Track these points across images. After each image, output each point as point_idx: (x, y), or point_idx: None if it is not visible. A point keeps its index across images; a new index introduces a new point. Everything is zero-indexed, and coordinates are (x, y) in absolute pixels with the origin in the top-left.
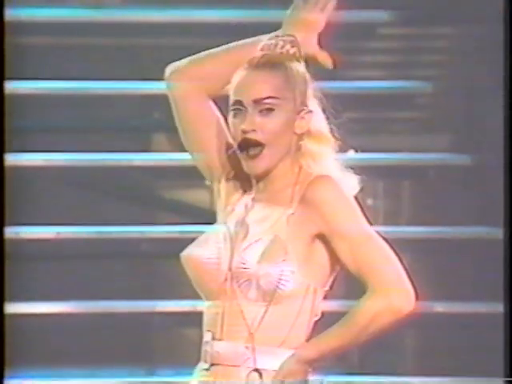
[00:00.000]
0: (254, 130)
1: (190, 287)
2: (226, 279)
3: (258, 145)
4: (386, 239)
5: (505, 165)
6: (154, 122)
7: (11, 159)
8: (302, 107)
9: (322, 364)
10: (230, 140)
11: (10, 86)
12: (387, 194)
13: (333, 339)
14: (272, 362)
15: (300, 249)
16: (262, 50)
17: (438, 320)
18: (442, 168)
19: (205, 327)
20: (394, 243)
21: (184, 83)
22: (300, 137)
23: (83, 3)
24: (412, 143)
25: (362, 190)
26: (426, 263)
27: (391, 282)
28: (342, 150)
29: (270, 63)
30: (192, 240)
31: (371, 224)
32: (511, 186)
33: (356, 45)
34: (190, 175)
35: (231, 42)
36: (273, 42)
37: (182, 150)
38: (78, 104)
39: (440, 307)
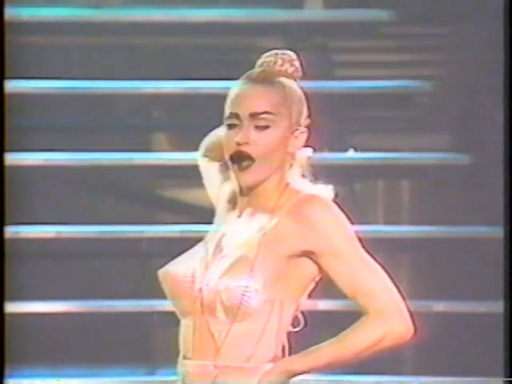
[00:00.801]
0: (247, 143)
1: None
2: (196, 298)
3: (250, 158)
4: (382, 265)
5: (504, 164)
6: (154, 121)
7: (11, 158)
8: (296, 126)
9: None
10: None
11: (11, 85)
12: (387, 193)
13: (323, 357)
14: (239, 378)
15: (271, 266)
16: (260, 66)
17: (438, 319)
18: (441, 167)
19: (181, 344)
20: (394, 242)
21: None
22: (292, 155)
23: (84, 3)
24: (412, 142)
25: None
26: (425, 263)
27: (391, 309)
28: (342, 149)
29: (269, 79)
30: (192, 239)
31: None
32: (511, 185)
33: (356, 44)
34: (190, 174)
35: (229, 42)
36: (272, 59)
37: (182, 149)
38: (78, 103)
39: (440, 307)
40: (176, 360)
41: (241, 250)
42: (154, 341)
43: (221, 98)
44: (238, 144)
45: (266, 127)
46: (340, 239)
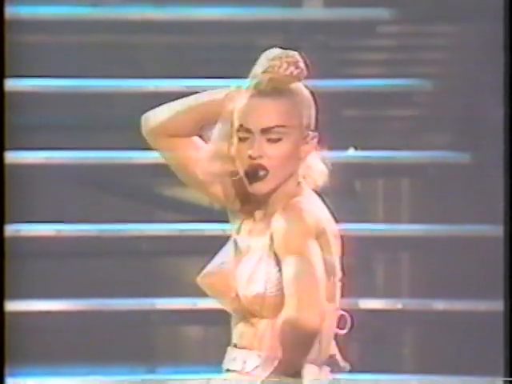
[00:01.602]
0: (261, 157)
1: (189, 285)
2: (234, 299)
3: (264, 170)
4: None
5: (505, 163)
6: None
7: (11, 157)
8: (307, 132)
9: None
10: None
11: (10, 84)
12: (387, 192)
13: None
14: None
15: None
16: (265, 72)
17: (438, 318)
18: (441, 166)
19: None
20: (394, 241)
21: (164, 139)
22: (304, 159)
23: (83, 1)
24: (412, 141)
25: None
26: (425, 261)
27: (299, 300)
28: (342, 147)
29: (277, 89)
30: (192, 238)
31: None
32: (511, 184)
33: (356, 42)
34: None
35: (229, 40)
36: (277, 63)
37: None
38: (78, 101)
39: (440, 305)
40: (176, 358)
41: (258, 252)
42: (154, 339)
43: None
44: (252, 158)
45: (278, 140)
46: (293, 248)
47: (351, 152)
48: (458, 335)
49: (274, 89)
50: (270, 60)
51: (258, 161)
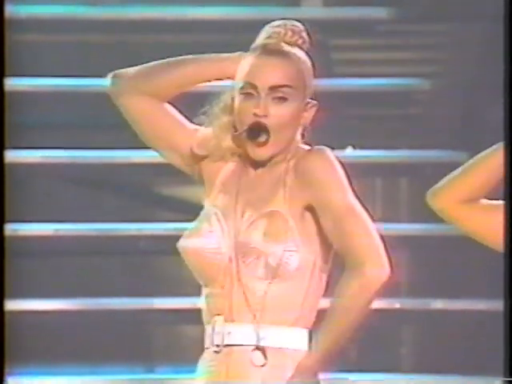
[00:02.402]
0: (265, 116)
1: (188, 284)
2: (230, 260)
3: (266, 132)
4: (369, 216)
5: (505, 162)
6: None
7: (10, 156)
8: (308, 99)
9: (329, 361)
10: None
11: (10, 83)
12: (385, 191)
13: (328, 336)
14: (279, 339)
15: (299, 224)
16: (269, 37)
17: (438, 317)
18: (439, 165)
19: (211, 312)
20: (393, 240)
21: (135, 97)
22: (303, 128)
23: (82, 1)
24: (410, 140)
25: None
26: (424, 260)
27: (364, 257)
28: (340, 146)
29: (284, 51)
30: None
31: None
32: (510, 184)
33: (354, 41)
34: None
35: (227, 39)
36: (282, 30)
37: None
38: (77, 101)
39: (439, 304)
40: (175, 357)
41: (270, 207)
42: (153, 339)
43: (219, 96)
44: (257, 116)
45: (284, 100)
46: (329, 190)
47: (349, 151)
48: (457, 335)
49: (280, 50)
50: (275, 27)
51: (263, 120)
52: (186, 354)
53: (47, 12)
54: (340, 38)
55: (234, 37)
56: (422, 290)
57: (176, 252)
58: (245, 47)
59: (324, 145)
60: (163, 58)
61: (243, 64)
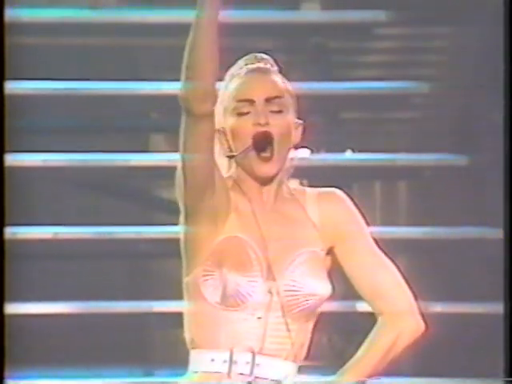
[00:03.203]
0: (267, 124)
1: None
2: (270, 292)
3: (272, 138)
4: (392, 260)
5: (504, 165)
6: (152, 122)
7: (10, 159)
8: (296, 118)
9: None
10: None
11: (10, 86)
12: (384, 194)
13: (363, 370)
14: (295, 377)
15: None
16: (242, 62)
17: (438, 320)
18: (439, 168)
19: (238, 338)
20: (393, 244)
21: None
22: (294, 148)
23: (82, 4)
24: (409, 143)
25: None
26: (424, 264)
27: (401, 309)
28: (340, 150)
29: (268, 69)
30: None
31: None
32: (510, 186)
33: (353, 45)
34: None
35: (226, 43)
36: (255, 60)
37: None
38: (77, 104)
39: (439, 308)
40: (174, 360)
41: (306, 246)
42: (152, 342)
43: None
44: (260, 125)
45: (280, 112)
46: (359, 237)
47: (349, 154)
48: (457, 338)
49: (265, 69)
50: (246, 59)
51: (266, 128)
52: (185, 358)
53: (47, 15)
54: (339, 41)
55: (234, 41)
56: (421, 294)
57: (175, 255)
58: (244, 51)
59: (323, 148)
60: (163, 62)
61: (231, 84)
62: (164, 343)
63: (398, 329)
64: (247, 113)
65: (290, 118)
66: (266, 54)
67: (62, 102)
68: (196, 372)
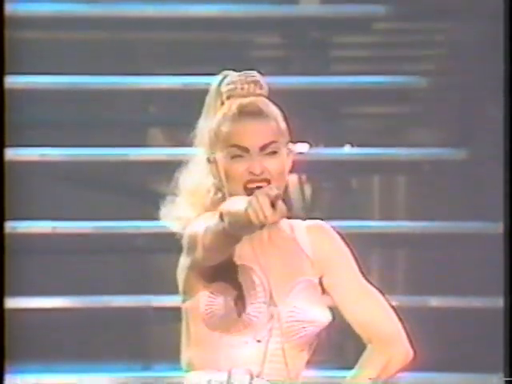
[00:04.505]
0: (263, 172)
1: None
2: (272, 317)
3: (266, 182)
4: (381, 291)
5: (504, 159)
6: (150, 116)
7: (10, 154)
8: (287, 147)
9: None
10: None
11: (10, 81)
12: (383, 188)
13: None
14: None
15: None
16: (229, 97)
17: (437, 315)
18: (438, 162)
19: (237, 361)
20: (391, 238)
21: None
22: (288, 174)
23: None
24: (408, 138)
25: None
26: (423, 258)
27: (390, 337)
28: (338, 144)
29: (261, 111)
30: None
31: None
32: (510, 180)
33: (352, 39)
34: None
35: (226, 37)
36: (245, 85)
37: (178, 144)
38: (76, 99)
39: (438, 302)
40: (172, 355)
41: (302, 275)
42: (150, 336)
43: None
44: (254, 174)
45: (275, 153)
46: (345, 268)
47: (347, 149)
48: (457, 332)
49: (256, 110)
50: (236, 82)
51: (261, 176)
52: None
53: (47, 10)
54: (338, 35)
55: (233, 35)
56: (419, 288)
57: (173, 250)
58: (243, 45)
59: (322, 142)
60: (162, 56)
61: (225, 127)
62: (163, 337)
63: (387, 356)
64: (240, 157)
65: (284, 156)
66: (257, 72)
67: (61, 97)
68: None
